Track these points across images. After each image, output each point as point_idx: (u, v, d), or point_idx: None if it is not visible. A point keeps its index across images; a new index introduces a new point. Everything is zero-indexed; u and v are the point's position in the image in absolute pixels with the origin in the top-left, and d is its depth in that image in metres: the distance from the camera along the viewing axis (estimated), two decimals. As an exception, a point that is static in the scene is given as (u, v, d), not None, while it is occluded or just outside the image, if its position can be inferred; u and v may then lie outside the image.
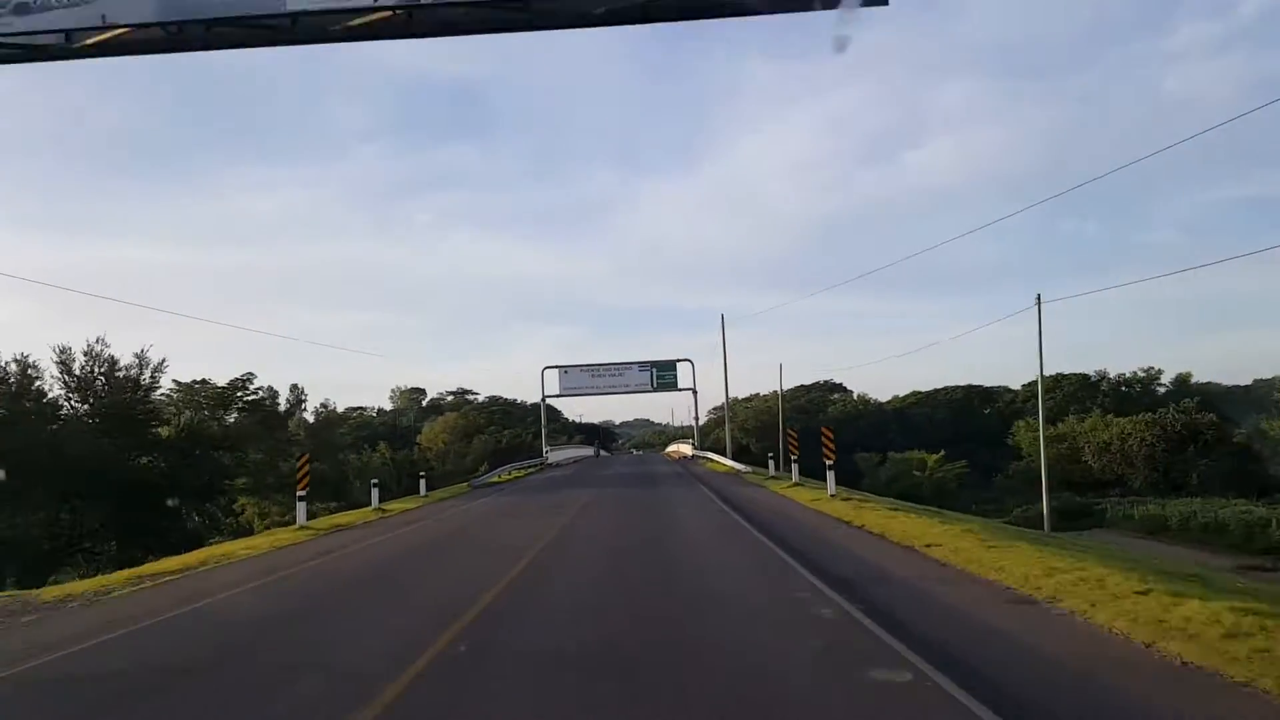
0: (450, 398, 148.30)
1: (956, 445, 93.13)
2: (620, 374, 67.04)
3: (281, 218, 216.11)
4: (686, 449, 65.86)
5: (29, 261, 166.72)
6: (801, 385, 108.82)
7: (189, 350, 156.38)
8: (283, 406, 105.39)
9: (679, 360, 68.41)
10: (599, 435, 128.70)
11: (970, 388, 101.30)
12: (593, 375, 67.61)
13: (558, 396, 70.51)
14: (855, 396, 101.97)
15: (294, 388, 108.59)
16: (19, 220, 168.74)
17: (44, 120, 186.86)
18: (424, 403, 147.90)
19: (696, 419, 72.75)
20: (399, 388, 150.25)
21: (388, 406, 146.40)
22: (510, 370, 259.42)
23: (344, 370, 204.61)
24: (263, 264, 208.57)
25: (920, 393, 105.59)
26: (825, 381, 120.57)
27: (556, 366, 69.39)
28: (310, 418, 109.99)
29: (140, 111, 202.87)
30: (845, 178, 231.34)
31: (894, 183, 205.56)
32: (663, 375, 66.65)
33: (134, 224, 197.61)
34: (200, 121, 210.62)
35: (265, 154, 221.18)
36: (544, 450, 61.40)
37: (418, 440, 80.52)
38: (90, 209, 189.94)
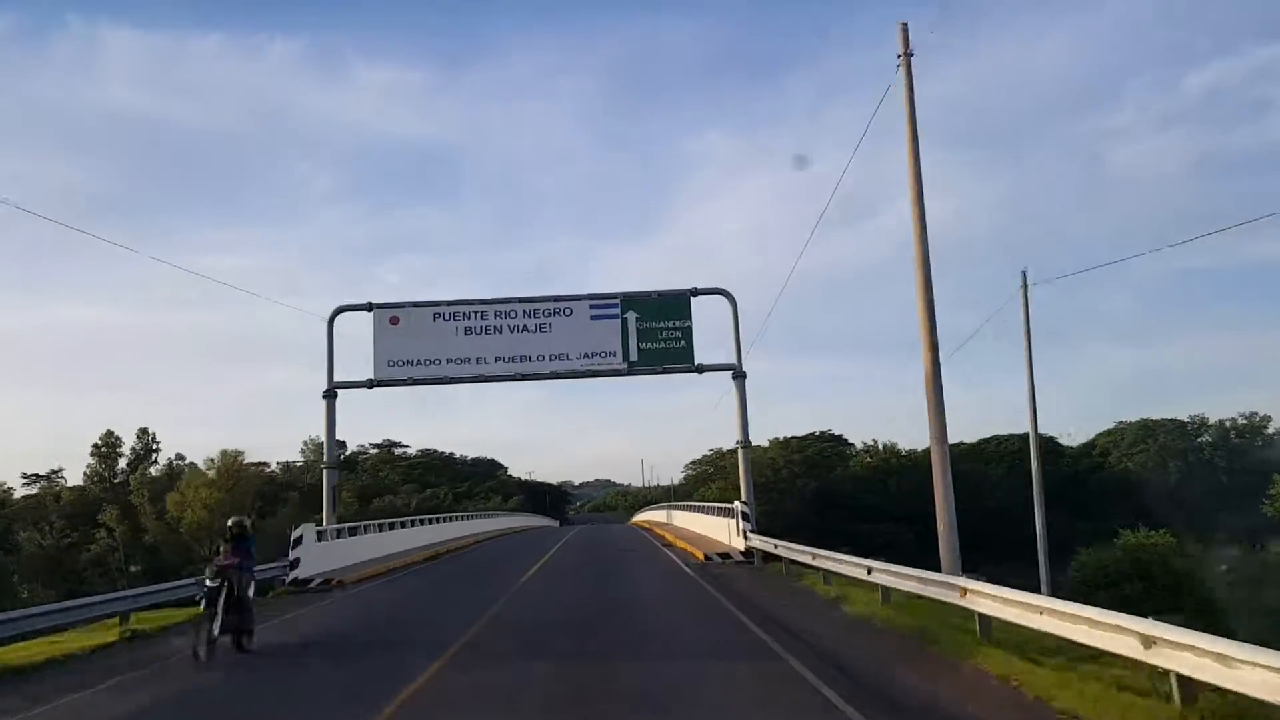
0: (375, 450, 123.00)
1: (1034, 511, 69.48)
2: (544, 325, 27.76)
3: (248, 279, 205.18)
4: (715, 528, 29.64)
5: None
6: (794, 436, 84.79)
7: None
8: (125, 458, 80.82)
9: (698, 292, 28.41)
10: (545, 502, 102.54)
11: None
12: (467, 330, 27.62)
13: (378, 386, 27.54)
14: (880, 446, 77.97)
15: (142, 433, 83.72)
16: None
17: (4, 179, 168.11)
18: (341, 456, 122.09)
19: (746, 447, 28.56)
20: (311, 439, 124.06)
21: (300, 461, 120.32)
22: (473, 431, 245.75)
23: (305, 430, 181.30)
24: (227, 325, 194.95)
25: (961, 445, 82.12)
26: (823, 433, 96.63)
27: (369, 307, 27.93)
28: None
29: (105, 174, 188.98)
30: (801, 243, 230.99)
31: (854, 250, 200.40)
32: (655, 330, 27.75)
33: (98, 285, 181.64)
34: (165, 183, 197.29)
35: (231, 216, 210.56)
36: (294, 542, 21.75)
37: (166, 512, 52.37)
38: (52, 270, 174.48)
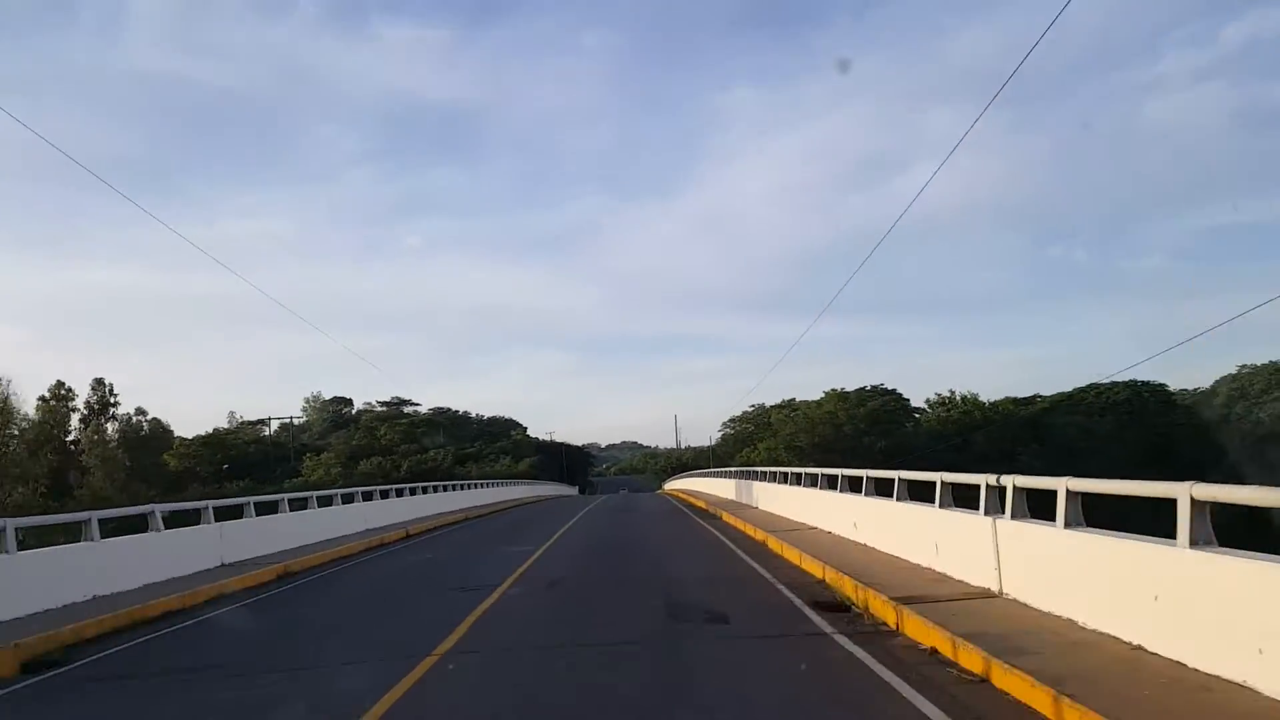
0: (382, 408, 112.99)
1: (1160, 473, 57.24)
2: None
3: (270, 241, 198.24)
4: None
5: (17, 285, 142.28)
6: (850, 390, 71.11)
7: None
8: (80, 410, 71.32)
9: None
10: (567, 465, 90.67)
11: (1138, 385, 65.45)
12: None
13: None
14: (958, 398, 65.90)
15: (98, 384, 74.07)
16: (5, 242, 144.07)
17: (32, 142, 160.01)
18: (347, 413, 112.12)
19: None
20: (314, 396, 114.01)
21: (300, 420, 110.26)
22: (499, 392, 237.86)
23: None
24: (249, 288, 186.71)
25: (1038, 398, 69.49)
26: (875, 387, 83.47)
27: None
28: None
29: (130, 135, 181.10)
30: (833, 203, 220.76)
31: (883, 208, 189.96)
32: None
33: (122, 248, 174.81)
34: (188, 144, 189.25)
35: (255, 178, 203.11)
36: None
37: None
38: (76, 232, 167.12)
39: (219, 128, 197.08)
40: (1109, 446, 59.50)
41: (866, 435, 57.93)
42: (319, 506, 19.02)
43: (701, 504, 29.86)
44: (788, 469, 20.49)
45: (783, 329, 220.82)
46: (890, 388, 78.42)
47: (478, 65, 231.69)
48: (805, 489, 17.99)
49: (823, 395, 66.50)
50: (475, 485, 35.96)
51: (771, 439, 63.61)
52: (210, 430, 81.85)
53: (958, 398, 65.39)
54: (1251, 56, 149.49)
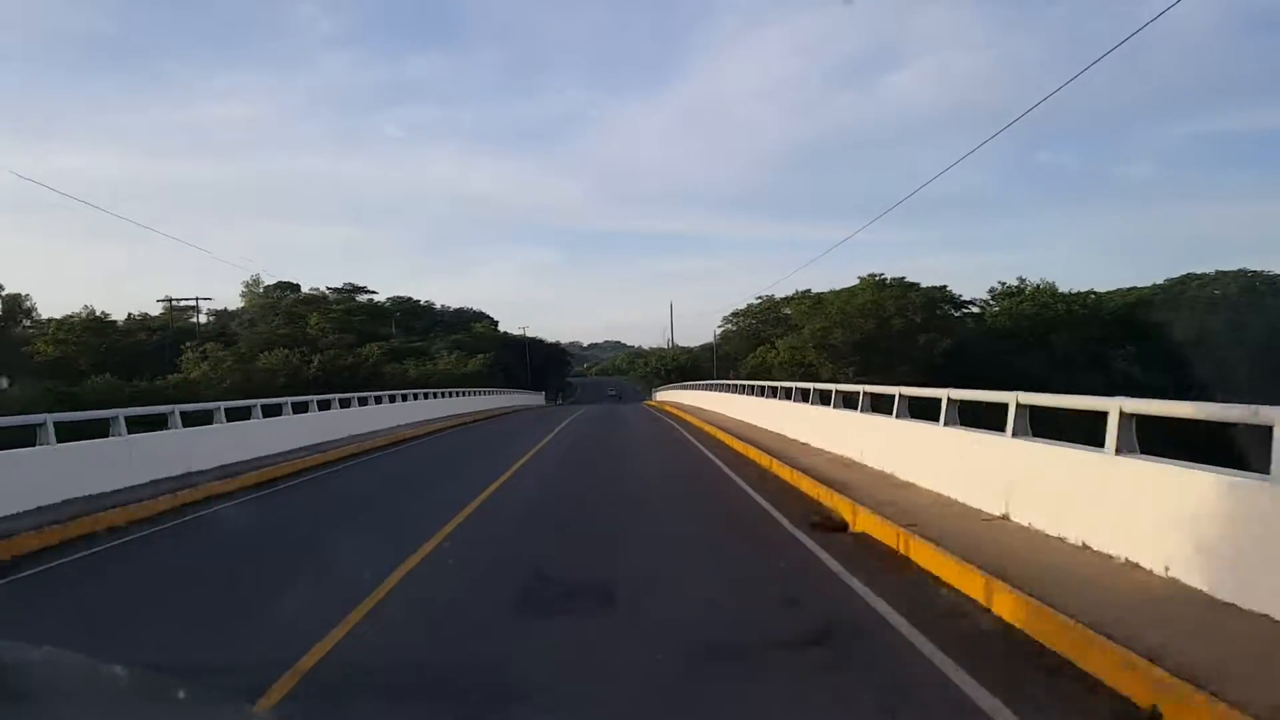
0: (332, 294, 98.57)
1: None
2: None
3: (247, 127, 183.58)
4: None
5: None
6: (875, 275, 53.96)
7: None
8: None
9: None
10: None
11: (1250, 275, 52.54)
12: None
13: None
14: (1027, 287, 52.59)
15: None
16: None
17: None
18: (293, 299, 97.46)
19: None
20: (253, 280, 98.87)
21: (238, 305, 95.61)
22: (477, 289, 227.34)
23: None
24: (224, 175, 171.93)
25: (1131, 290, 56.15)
26: (899, 280, 67.01)
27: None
28: None
29: (101, 16, 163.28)
30: (822, 101, 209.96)
31: (871, 107, 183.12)
32: None
33: (92, 130, 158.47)
34: (163, 26, 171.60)
35: (232, 61, 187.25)
36: None
37: None
38: (44, 114, 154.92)
39: (193, 7, 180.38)
40: (1219, 348, 46.74)
41: (923, 332, 44.69)
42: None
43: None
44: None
45: (773, 230, 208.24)
46: (911, 280, 63.33)
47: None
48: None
49: (859, 280, 53.04)
50: (343, 404, 21.06)
51: (793, 336, 50.50)
52: (123, 316, 67.71)
53: (1027, 288, 52.09)
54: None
